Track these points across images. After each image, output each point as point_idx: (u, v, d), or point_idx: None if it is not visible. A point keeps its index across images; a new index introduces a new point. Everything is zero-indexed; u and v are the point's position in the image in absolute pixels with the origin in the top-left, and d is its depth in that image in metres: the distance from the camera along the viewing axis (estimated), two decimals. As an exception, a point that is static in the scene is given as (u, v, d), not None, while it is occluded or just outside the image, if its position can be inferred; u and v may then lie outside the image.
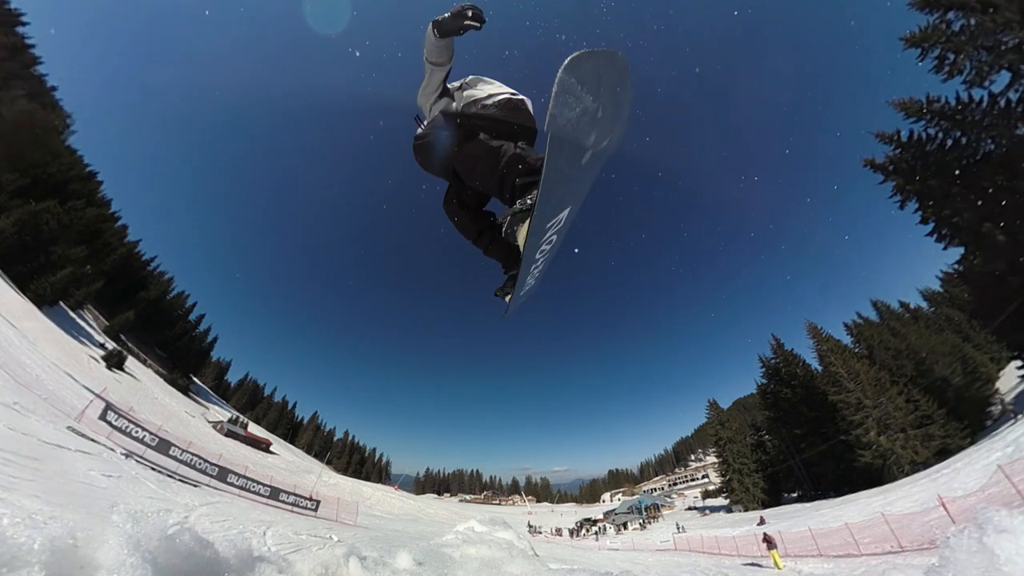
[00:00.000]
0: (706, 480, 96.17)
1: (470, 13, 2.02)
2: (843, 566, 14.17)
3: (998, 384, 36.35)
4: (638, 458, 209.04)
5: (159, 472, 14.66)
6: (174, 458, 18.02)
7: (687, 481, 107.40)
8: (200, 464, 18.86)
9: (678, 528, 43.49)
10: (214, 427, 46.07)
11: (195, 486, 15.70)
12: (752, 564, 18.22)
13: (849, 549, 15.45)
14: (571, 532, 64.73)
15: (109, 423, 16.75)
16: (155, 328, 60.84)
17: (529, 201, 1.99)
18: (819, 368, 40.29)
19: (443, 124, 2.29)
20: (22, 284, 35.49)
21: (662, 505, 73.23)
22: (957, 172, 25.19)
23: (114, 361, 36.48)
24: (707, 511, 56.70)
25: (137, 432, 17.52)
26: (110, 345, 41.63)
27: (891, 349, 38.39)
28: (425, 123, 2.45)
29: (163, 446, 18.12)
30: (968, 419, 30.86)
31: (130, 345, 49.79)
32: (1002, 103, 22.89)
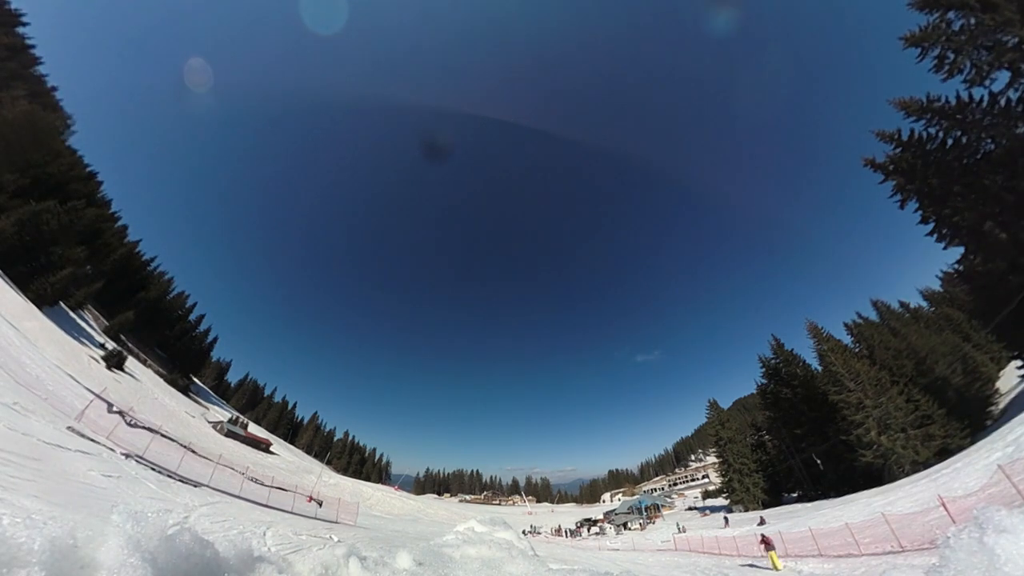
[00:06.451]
0: (706, 480, 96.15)
1: None
2: (843, 566, 14.17)
3: (998, 384, 36.35)
4: (638, 458, 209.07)
5: (159, 472, 14.67)
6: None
7: (687, 481, 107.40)
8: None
9: (678, 528, 43.45)
10: (214, 427, 46.01)
11: (195, 486, 15.70)
12: (752, 565, 18.21)
13: (849, 549, 15.44)
14: (571, 532, 64.72)
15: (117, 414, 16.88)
16: (155, 328, 60.81)
17: None
18: (819, 368, 40.25)
19: None
20: (22, 284, 35.48)
21: (662, 505, 73.14)
22: (957, 171, 25.17)
23: (114, 361, 36.46)
24: (707, 511, 56.65)
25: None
26: (110, 345, 41.62)
27: (891, 349, 38.35)
28: None
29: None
30: (968, 419, 30.84)
31: (130, 345, 49.78)
32: (1002, 102, 22.89)
